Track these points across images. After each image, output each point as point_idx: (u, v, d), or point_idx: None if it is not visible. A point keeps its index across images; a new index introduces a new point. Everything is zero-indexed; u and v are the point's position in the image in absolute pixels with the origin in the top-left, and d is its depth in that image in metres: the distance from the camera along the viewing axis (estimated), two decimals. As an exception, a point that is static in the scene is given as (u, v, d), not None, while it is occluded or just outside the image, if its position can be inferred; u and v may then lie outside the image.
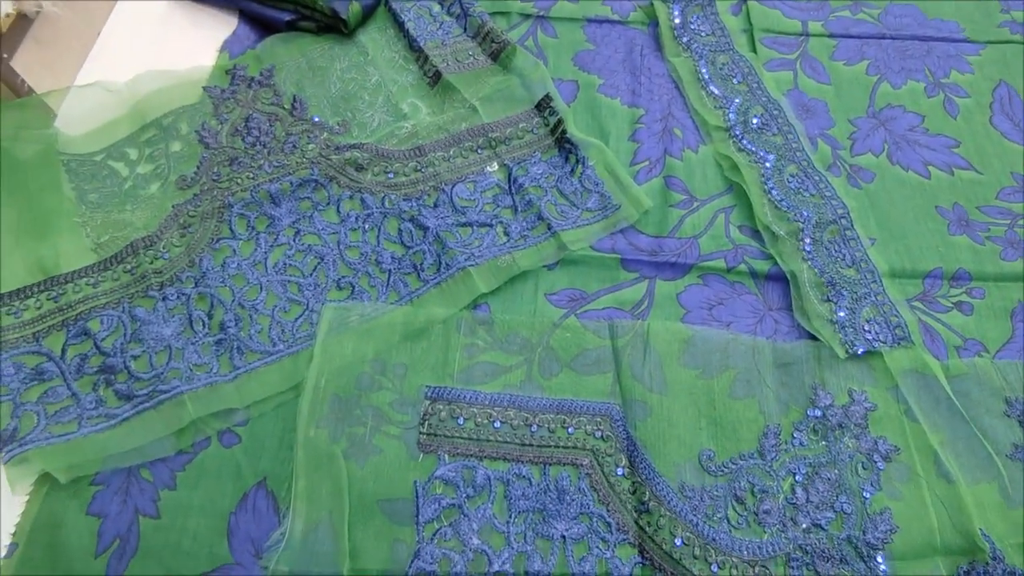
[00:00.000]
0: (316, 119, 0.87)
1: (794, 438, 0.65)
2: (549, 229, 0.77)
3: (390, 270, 0.75)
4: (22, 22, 0.87)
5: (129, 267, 0.73)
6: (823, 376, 0.68)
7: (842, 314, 0.71)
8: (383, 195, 0.80)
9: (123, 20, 0.98)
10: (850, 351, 0.69)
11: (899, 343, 0.70)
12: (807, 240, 0.76)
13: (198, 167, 0.82)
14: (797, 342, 0.71)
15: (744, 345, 0.70)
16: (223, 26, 0.98)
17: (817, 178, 0.81)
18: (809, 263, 0.74)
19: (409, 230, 0.77)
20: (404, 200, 0.79)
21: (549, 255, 0.76)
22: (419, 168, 0.82)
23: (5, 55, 0.84)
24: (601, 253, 0.76)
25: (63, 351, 0.68)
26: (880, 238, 0.79)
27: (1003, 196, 0.83)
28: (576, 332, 0.71)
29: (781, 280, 0.75)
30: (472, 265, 0.74)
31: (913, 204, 0.82)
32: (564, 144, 0.83)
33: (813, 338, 0.71)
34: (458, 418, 0.65)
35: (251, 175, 0.81)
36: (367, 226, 0.78)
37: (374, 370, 0.68)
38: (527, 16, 0.99)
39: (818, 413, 0.66)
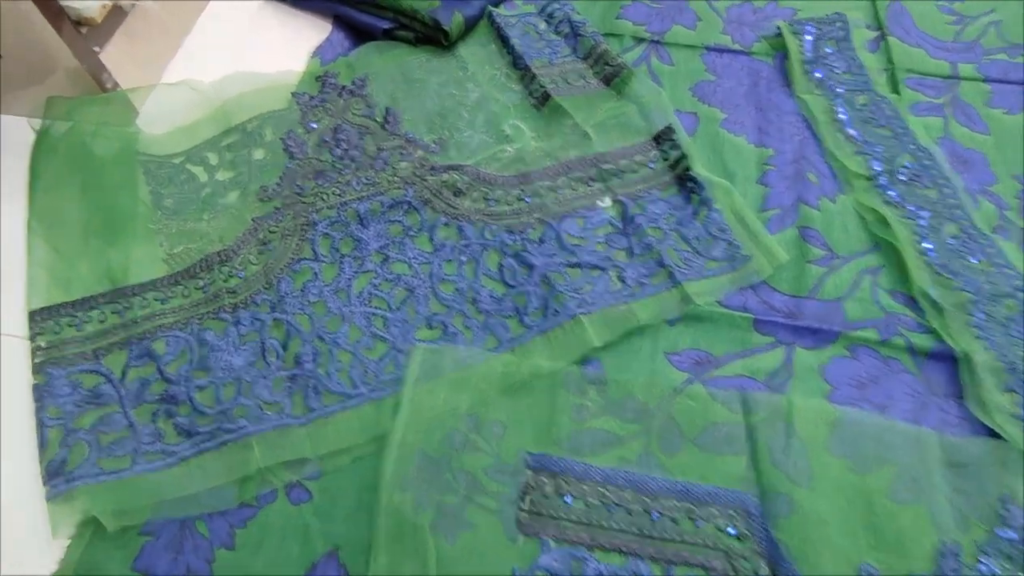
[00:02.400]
0: (410, 135, 0.78)
1: (981, 564, 0.53)
2: (671, 278, 0.66)
3: (488, 311, 0.65)
4: (116, 15, 0.81)
5: (202, 283, 0.64)
6: (1012, 485, 0.56)
7: (1026, 412, 0.59)
8: (483, 225, 0.70)
9: (214, 19, 0.92)
10: (1039, 454, 0.57)
11: (1098, 450, 0.57)
12: (979, 315, 0.64)
13: (281, 178, 0.74)
14: (974, 438, 0.58)
15: (905, 436, 0.58)
16: (316, 31, 0.91)
17: (984, 242, 0.69)
18: (984, 343, 0.62)
19: (512, 267, 0.67)
20: (507, 232, 0.70)
21: (671, 308, 0.65)
22: (523, 197, 0.73)
23: (95, 49, 0.78)
24: (731, 311, 0.65)
25: (124, 373, 0.60)
26: (1061, 318, 0.66)
27: None
28: (702, 402, 0.60)
29: (946, 360, 0.63)
30: (584, 313, 0.63)
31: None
32: (686, 182, 0.73)
33: (993, 434, 0.58)
34: (565, 496, 0.55)
35: (338, 191, 0.72)
36: (464, 258, 0.68)
37: (468, 427, 0.58)
38: (640, 40, 0.90)
39: (1012, 535, 0.54)
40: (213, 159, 0.76)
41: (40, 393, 0.58)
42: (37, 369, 0.59)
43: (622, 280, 0.67)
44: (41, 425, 0.56)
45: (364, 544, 0.53)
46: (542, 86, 0.81)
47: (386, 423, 0.58)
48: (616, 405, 0.60)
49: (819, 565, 0.52)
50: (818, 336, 0.64)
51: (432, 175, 0.73)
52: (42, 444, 0.56)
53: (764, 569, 0.52)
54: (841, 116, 0.81)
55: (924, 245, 0.69)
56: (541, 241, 0.69)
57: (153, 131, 0.76)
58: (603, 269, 0.67)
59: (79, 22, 0.78)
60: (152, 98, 0.79)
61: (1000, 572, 0.52)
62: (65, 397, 0.58)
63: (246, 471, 0.55)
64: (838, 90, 0.83)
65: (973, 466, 0.57)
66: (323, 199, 0.72)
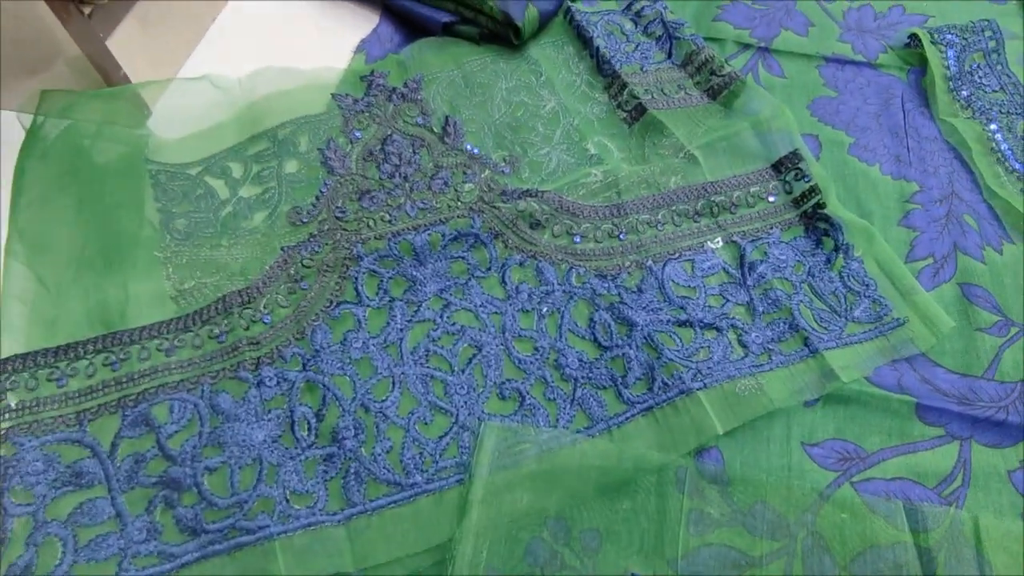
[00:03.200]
0: (474, 150, 0.67)
1: None
2: (806, 344, 0.54)
3: (577, 379, 0.53)
4: (126, -5, 0.71)
5: (217, 331, 0.53)
6: None
7: None
8: (568, 266, 0.58)
9: (244, 6, 0.81)
10: None
11: None
12: None
13: (317, 198, 0.63)
14: None
15: None
16: (363, 22, 0.80)
17: None
18: None
19: (606, 322, 0.56)
20: (597, 277, 0.58)
21: (810, 385, 0.53)
22: (616, 233, 0.61)
23: (100, 34, 0.67)
24: (886, 391, 0.53)
25: (114, 446, 0.48)
26: None
27: None
28: (857, 514, 0.47)
29: None
30: (700, 388, 0.51)
31: None
32: (816, 222, 0.61)
33: None
34: (685, 640, 0.43)
35: (387, 217, 0.61)
36: (544, 308, 0.56)
37: (555, 538, 0.46)
38: (746, 46, 0.78)
39: None
40: (237, 171, 0.65)
41: (5, 469, 0.47)
42: (3, 437, 0.48)
43: (743, 345, 0.55)
44: (4, 513, 0.45)
45: None
46: (635, 96, 0.70)
47: (448, 527, 0.46)
48: (744, 514, 0.48)
49: None
50: (1002, 430, 0.52)
51: (504, 202, 0.62)
52: (2, 539, 0.44)
53: None
54: (1001, 145, 0.68)
55: (1121, 315, 0.57)
56: (640, 290, 0.58)
57: (166, 135, 0.65)
58: (720, 330, 0.55)
59: (83, 2, 0.67)
60: (167, 95, 0.68)
61: None
62: (37, 475, 0.46)
63: (267, 585, 0.44)
64: (992, 113, 0.71)
65: None
66: (369, 226, 0.60)
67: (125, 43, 0.70)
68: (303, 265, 0.58)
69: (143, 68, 0.70)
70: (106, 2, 0.68)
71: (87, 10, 0.67)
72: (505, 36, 0.77)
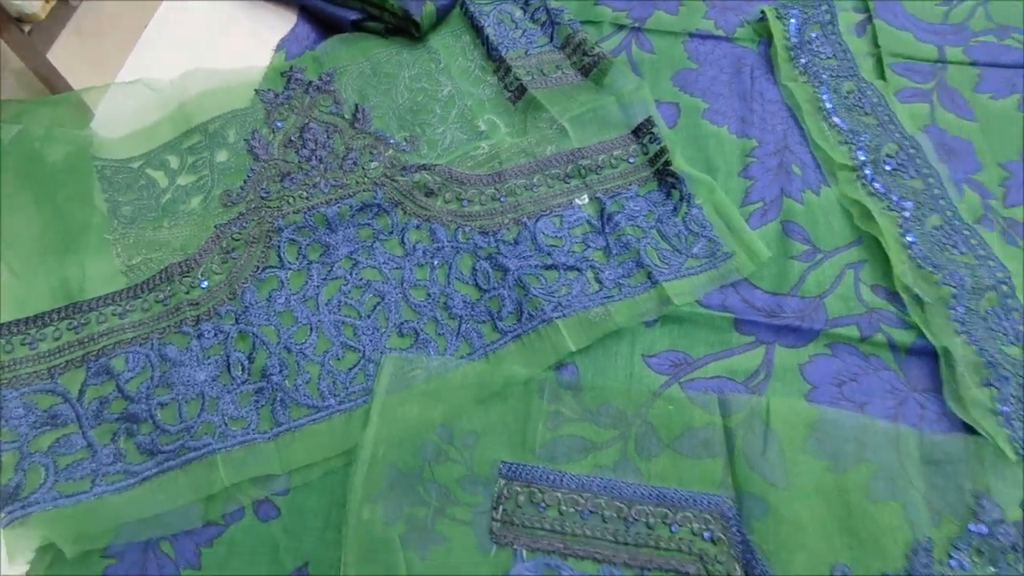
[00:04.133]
0: (380, 133, 0.79)
1: (952, 559, 0.55)
2: (649, 278, 0.68)
3: (461, 316, 0.66)
4: (62, 10, 0.81)
5: (162, 296, 0.66)
6: (987, 482, 0.58)
7: (1007, 407, 0.61)
8: (456, 226, 0.71)
9: (172, 13, 0.92)
10: (1021, 452, 0.59)
11: (1078, 444, 0.59)
12: (960, 309, 0.66)
13: (245, 181, 0.75)
14: (951, 435, 0.60)
15: (884, 434, 0.60)
16: (281, 23, 0.91)
17: (967, 233, 0.71)
18: (964, 338, 0.64)
19: (485, 270, 0.69)
20: (480, 234, 0.71)
21: (649, 309, 0.67)
22: (497, 196, 0.74)
23: (40, 48, 0.78)
24: (710, 311, 0.67)
25: (81, 392, 0.61)
26: (1044, 310, 0.68)
27: None
28: (680, 405, 0.62)
29: (926, 355, 0.65)
30: (560, 317, 0.65)
31: (1083, 271, 0.71)
32: (666, 177, 0.75)
33: (970, 430, 0.60)
34: (539, 504, 0.57)
35: (305, 194, 0.73)
36: (436, 262, 0.70)
37: (441, 438, 0.60)
38: (621, 27, 0.91)
39: (984, 530, 0.56)
40: (174, 162, 0.77)
41: (-5, 415, 0.59)
42: (-11, 391, 0.60)
43: (599, 281, 0.68)
44: (-3, 447, 0.58)
45: (334, 561, 0.55)
46: (517, 78, 0.83)
47: (356, 436, 0.60)
48: (593, 412, 0.61)
49: (792, 566, 0.54)
50: (799, 334, 0.66)
51: (403, 175, 0.75)
52: (-1, 467, 0.57)
53: (738, 571, 0.54)
54: (826, 104, 0.82)
55: (907, 238, 0.71)
56: (516, 242, 0.71)
57: (109, 134, 0.77)
58: (580, 270, 0.69)
59: (20, 19, 0.78)
60: (106, 99, 0.80)
61: (970, 567, 0.54)
62: (19, 419, 0.59)
63: (211, 489, 0.57)
64: (823, 77, 0.85)
65: (949, 463, 0.59)
66: (289, 203, 0.73)
67: (64, 54, 0.80)
68: (233, 239, 0.70)
69: (84, 75, 0.81)
70: (43, 19, 0.79)
71: (27, 28, 0.78)
72: (408, 30, 0.89)
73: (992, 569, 0.54)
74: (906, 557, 0.55)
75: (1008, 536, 0.56)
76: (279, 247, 0.70)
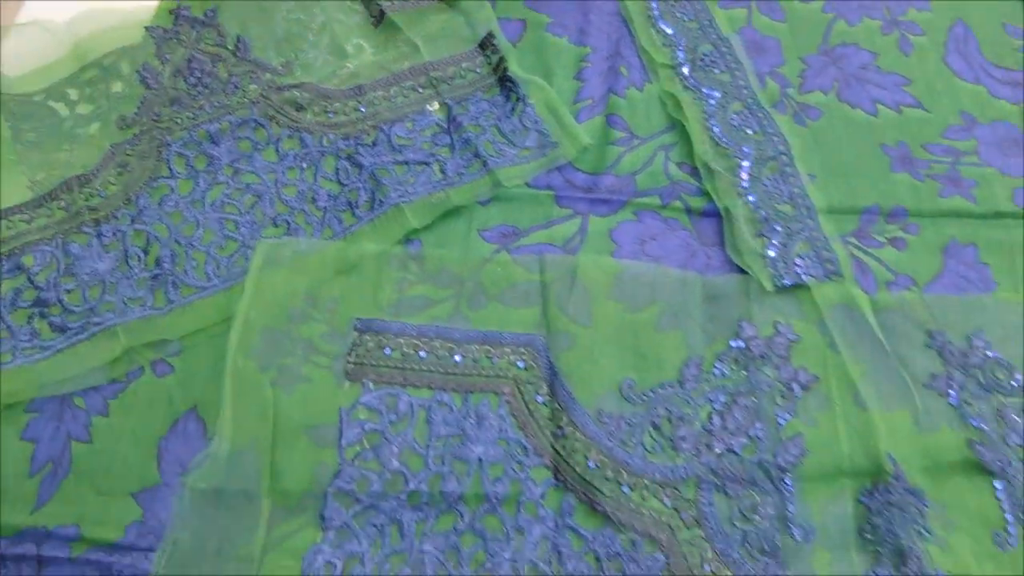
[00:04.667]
0: (259, 60, 0.90)
1: (715, 368, 0.69)
2: (485, 166, 0.80)
3: (325, 208, 0.78)
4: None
5: (64, 204, 0.76)
6: (750, 309, 0.72)
7: (773, 252, 0.74)
8: (322, 134, 0.82)
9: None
10: (778, 284, 0.72)
11: (829, 277, 0.73)
12: (744, 176, 0.78)
13: (139, 107, 0.85)
14: (727, 276, 0.74)
15: (673, 279, 0.73)
16: (168, -34, 1.00)
17: (761, 115, 0.84)
18: (744, 199, 0.77)
19: (345, 168, 0.80)
20: (343, 139, 0.82)
21: (483, 191, 0.79)
22: (359, 107, 0.85)
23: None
24: (536, 190, 0.79)
25: (-1, 285, 0.72)
26: (821, 175, 0.81)
27: (949, 134, 0.85)
28: (506, 267, 0.74)
29: (716, 216, 0.78)
30: (405, 201, 0.77)
31: (858, 142, 0.84)
32: (506, 83, 0.86)
33: (745, 273, 0.74)
34: (385, 348, 0.69)
35: (191, 115, 0.84)
36: (304, 165, 0.81)
37: (306, 304, 0.72)
38: (477, -46, 1.01)
39: (741, 344, 0.70)
40: (73, 95, 0.87)
41: (-73, 304, 0.71)
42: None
43: (443, 172, 0.80)
44: (-70, 330, 0.69)
45: (217, 402, 0.67)
46: (378, 5, 0.93)
47: (235, 306, 0.72)
48: (433, 275, 0.74)
49: (589, 384, 0.68)
50: (610, 205, 0.79)
51: (277, 94, 0.85)
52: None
53: (544, 389, 0.67)
54: (654, 12, 0.93)
55: (711, 123, 0.83)
56: (374, 144, 0.82)
57: (11, 73, 0.86)
58: (427, 164, 0.81)
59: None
60: (7, 42, 0.89)
61: (729, 373, 0.68)
62: (-52, 307, 0.70)
63: (114, 354, 0.69)
64: (654, -11, 0.96)
65: (724, 298, 0.72)
66: (177, 123, 0.83)
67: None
68: (126, 154, 0.81)
69: (-14, 22, 0.90)
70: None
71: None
72: (283, -34, 0.98)
73: (744, 373, 0.68)
74: (679, 370, 0.69)
75: (759, 347, 0.69)
76: (168, 160, 0.80)
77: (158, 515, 0.62)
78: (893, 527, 0.61)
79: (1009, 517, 0.63)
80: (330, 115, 0.84)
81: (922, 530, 0.61)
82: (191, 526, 0.59)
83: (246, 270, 0.74)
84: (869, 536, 0.61)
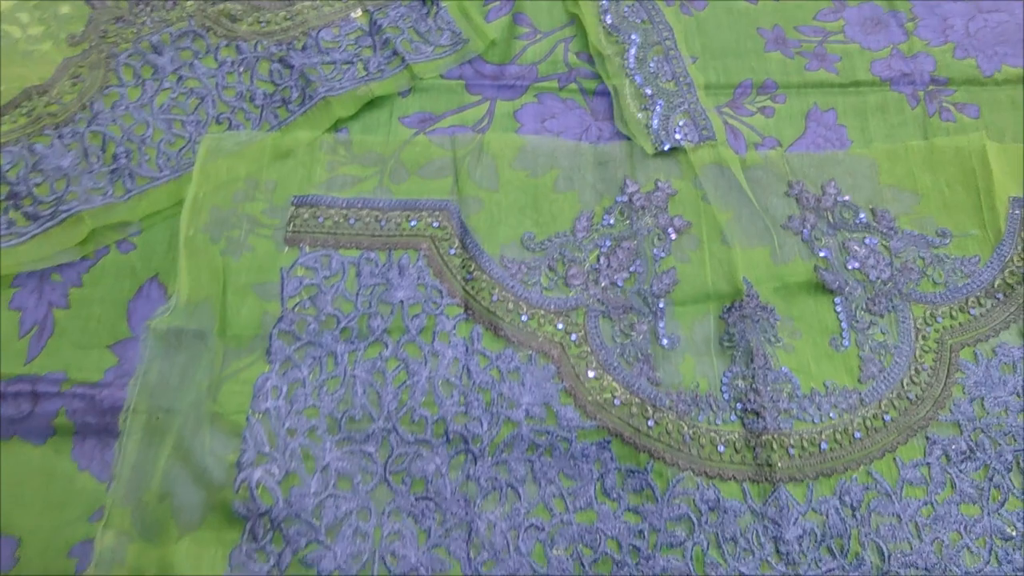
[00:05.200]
0: (195, -21, 0.98)
1: (604, 220, 0.80)
2: (403, 62, 0.89)
3: (262, 105, 0.88)
4: None
5: (25, 111, 0.85)
6: (634, 170, 0.83)
7: (655, 122, 0.85)
8: (256, 41, 0.91)
9: None
10: (659, 148, 0.83)
11: (704, 141, 0.84)
12: (631, 58, 0.89)
13: (86, 26, 0.93)
14: (615, 143, 0.85)
15: (569, 148, 0.84)
16: None
17: (650, 6, 0.94)
18: (631, 78, 0.88)
19: (278, 70, 0.90)
20: (275, 45, 0.91)
21: (402, 84, 0.89)
22: (289, 17, 0.94)
23: None
24: (449, 80, 0.89)
25: (-25, 183, 0.82)
26: (702, 57, 0.91)
27: (820, 16, 0.95)
28: (423, 146, 0.85)
29: (607, 95, 0.88)
30: (332, 95, 0.86)
31: (737, 27, 0.94)
32: (421, -11, 0.95)
33: (632, 141, 0.85)
34: (319, 218, 0.80)
35: (135, 30, 0.92)
36: (242, 69, 0.90)
37: (248, 186, 0.82)
38: None
39: (625, 199, 0.81)
40: (24, 18, 0.95)
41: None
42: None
43: (366, 69, 0.90)
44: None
45: (176, 270, 0.78)
46: (303, -76, 1.01)
47: (186, 191, 0.82)
48: (359, 157, 0.84)
49: (495, 237, 0.79)
50: (514, 90, 0.89)
51: (212, 7, 0.94)
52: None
53: (456, 243, 0.79)
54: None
55: (605, 16, 0.93)
56: (304, 48, 0.91)
57: (-33, -1, 0.94)
58: (352, 63, 0.90)
59: None
60: (-39, -29, 0.96)
61: (613, 222, 0.80)
62: (-68, 202, 0.80)
63: (82, 236, 0.79)
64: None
65: (612, 162, 0.84)
66: (123, 37, 0.92)
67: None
68: (78, 67, 0.89)
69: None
70: None
71: None
72: None
73: (628, 222, 0.80)
74: (572, 222, 0.80)
75: (640, 200, 0.81)
76: (117, 70, 0.89)
77: (131, 361, 0.73)
78: (746, 334, 0.73)
79: (844, 325, 0.75)
80: (263, 24, 0.93)
81: (771, 338, 0.74)
82: (156, 362, 0.71)
83: (193, 162, 0.84)
84: (727, 343, 0.74)
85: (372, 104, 0.87)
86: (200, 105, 0.88)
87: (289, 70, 0.89)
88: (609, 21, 0.92)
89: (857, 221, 0.81)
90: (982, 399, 0.71)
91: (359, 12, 0.94)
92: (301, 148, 0.84)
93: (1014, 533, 0.66)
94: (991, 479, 0.68)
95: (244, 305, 0.75)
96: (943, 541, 0.65)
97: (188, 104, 0.88)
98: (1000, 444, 0.69)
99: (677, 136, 0.84)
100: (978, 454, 0.69)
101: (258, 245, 0.79)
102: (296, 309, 0.75)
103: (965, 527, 0.66)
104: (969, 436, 0.70)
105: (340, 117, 0.86)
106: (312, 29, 0.92)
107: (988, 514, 0.66)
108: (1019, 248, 0.78)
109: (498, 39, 0.92)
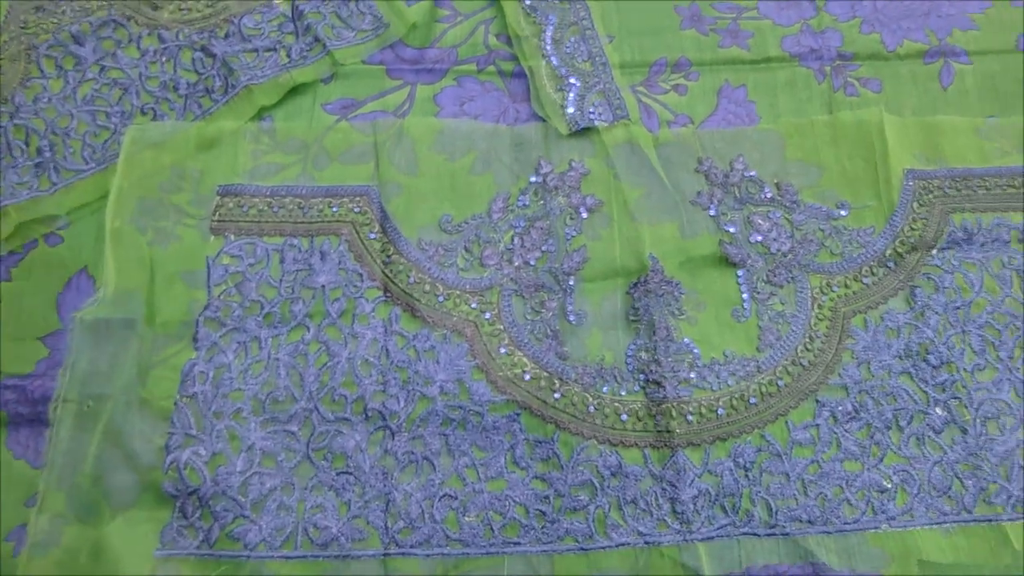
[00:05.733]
0: (116, -34, 0.98)
1: (519, 200, 0.84)
2: (324, 48, 0.91)
3: (186, 95, 0.89)
4: None
5: (-53, 106, 0.87)
6: (549, 151, 0.86)
7: (570, 102, 0.88)
8: (177, 30, 0.92)
9: None
10: (573, 128, 0.86)
11: (618, 120, 0.87)
12: (547, 39, 0.91)
13: (5, 16, 0.93)
14: (531, 124, 0.88)
15: (486, 131, 0.87)
16: None
17: (568, -12, 0.95)
18: (547, 59, 0.90)
19: (200, 59, 0.91)
20: (197, 33, 0.92)
21: (324, 71, 0.90)
22: (211, 4, 0.94)
23: None
24: (370, 65, 0.91)
25: (-99, 180, 0.83)
26: (619, 36, 0.94)
27: (736, -8, 0.98)
28: (345, 132, 0.87)
29: (525, 76, 0.91)
30: (254, 83, 0.88)
31: (655, 5, 0.96)
32: (343, -28, 0.96)
33: (548, 122, 0.88)
34: (243, 207, 0.82)
35: (55, 20, 0.93)
36: (164, 58, 0.91)
37: (173, 176, 0.84)
38: None
39: (539, 179, 0.84)
40: (-56, 10, 0.95)
41: None
42: None
43: (289, 56, 0.91)
44: None
45: (103, 261, 0.80)
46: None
47: (112, 183, 0.84)
48: (282, 144, 0.86)
49: (413, 220, 0.82)
50: (434, 74, 0.91)
51: (133, -4, 0.94)
52: None
53: (376, 228, 0.81)
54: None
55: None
56: (226, 36, 0.92)
57: None
58: (274, 50, 0.91)
59: None
60: None
61: (528, 203, 0.83)
62: None
63: (9, 230, 0.81)
64: None
65: (528, 144, 0.86)
66: (43, 28, 0.92)
67: None
68: None
69: None
70: None
71: None
72: None
73: (541, 202, 0.83)
74: (488, 204, 0.83)
75: (554, 180, 0.84)
76: (38, 61, 0.90)
77: (62, 352, 0.76)
78: (649, 309, 0.78)
79: (746, 296, 0.80)
80: (184, 12, 0.94)
81: (676, 311, 0.78)
82: (85, 352, 0.74)
83: (119, 153, 0.85)
84: (632, 318, 0.78)
85: (295, 91, 0.89)
86: (124, 96, 0.89)
87: (212, 59, 0.90)
88: (528, 2, 0.94)
89: (762, 195, 0.85)
90: (869, 363, 0.76)
91: (281, -2, 0.95)
92: (225, 137, 0.86)
93: (889, 485, 0.72)
94: (872, 437, 0.73)
95: (171, 294, 0.78)
96: (826, 495, 0.71)
97: (112, 95, 0.89)
98: (882, 404, 0.74)
99: (591, 116, 0.87)
100: (862, 414, 0.74)
101: (185, 235, 0.81)
102: (222, 296, 0.78)
103: (847, 482, 0.72)
104: (855, 398, 0.75)
105: (263, 105, 0.87)
106: (234, 16, 0.93)
107: (868, 469, 0.72)
108: (910, 218, 0.83)
109: (419, 22, 0.93)
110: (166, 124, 0.86)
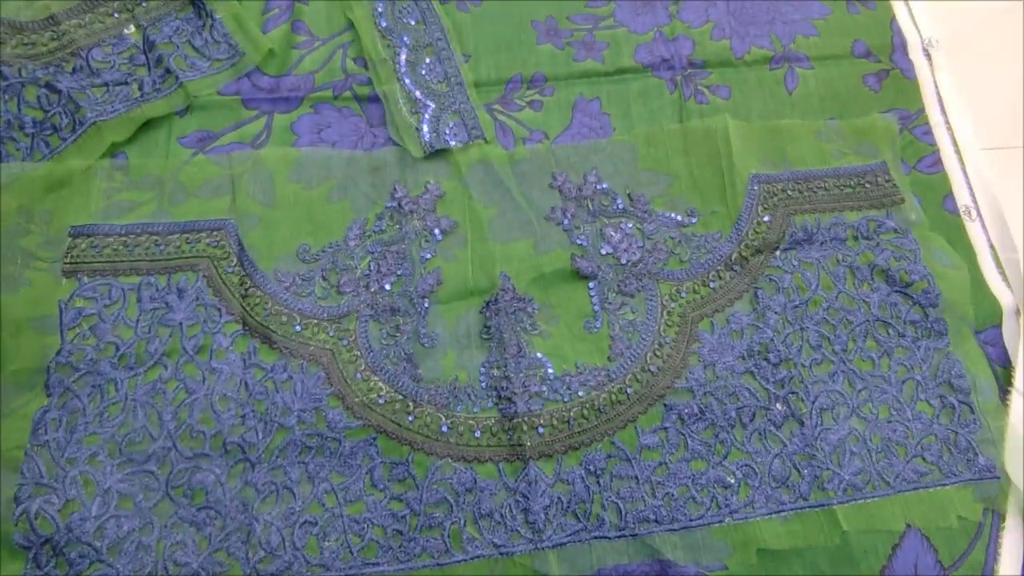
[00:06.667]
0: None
1: (376, 225, 0.86)
2: (177, 80, 0.91)
3: (32, 133, 0.89)
4: None
5: None
6: (405, 174, 0.88)
7: (425, 125, 0.90)
8: (20, 66, 0.92)
9: None
10: (427, 151, 0.89)
11: (473, 140, 0.90)
12: (402, 62, 0.93)
13: None
14: (387, 149, 0.90)
15: (343, 158, 0.89)
16: None
17: (424, 6, 0.97)
18: (401, 82, 0.92)
19: (46, 95, 0.90)
20: (42, 68, 0.92)
21: (177, 104, 0.91)
22: (56, 37, 0.94)
23: None
24: (225, 96, 0.92)
25: None
26: (475, 54, 0.96)
27: (592, 4, 1.01)
28: (201, 166, 0.88)
29: (381, 101, 0.93)
30: (103, 119, 0.88)
31: (511, 21, 0.99)
32: (197, 2, 0.96)
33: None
34: (97, 247, 0.83)
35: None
36: (7, 96, 0.90)
37: (21, 219, 0.84)
38: None
39: (394, 204, 0.87)
40: None
41: None
42: None
43: (140, 90, 0.91)
44: None
45: (-48, 311, 0.80)
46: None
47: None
48: (136, 182, 0.87)
49: (271, 251, 0.84)
50: (290, 102, 0.92)
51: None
52: None
53: (234, 262, 0.83)
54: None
55: (379, 20, 0.96)
56: (74, 70, 0.92)
57: None
58: (125, 83, 0.92)
59: None
60: None
61: (384, 227, 0.86)
62: None
63: None
64: None
65: (384, 168, 0.89)
66: None
67: None
68: None
69: None
70: None
71: None
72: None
73: (397, 227, 0.86)
74: (344, 231, 0.86)
75: (409, 204, 0.87)
76: None
77: (-90, 407, 0.76)
78: (501, 327, 0.81)
79: (597, 308, 0.84)
80: (27, 47, 0.93)
81: (528, 326, 0.82)
82: (-69, 408, 0.74)
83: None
84: (485, 336, 0.81)
85: (149, 125, 0.90)
86: (79, 119, 0.88)
87: (57, 95, 0.90)
88: (384, 24, 0.95)
89: (615, 207, 0.89)
90: (714, 365, 0.81)
91: (132, 28, 0.95)
92: (76, 176, 0.86)
93: (732, 480, 0.77)
94: (717, 436, 0.78)
95: (22, 340, 0.78)
96: (672, 495, 0.76)
97: (63, 123, 0.88)
98: (725, 404, 0.79)
99: (447, 138, 0.90)
100: (707, 414, 0.79)
101: (36, 279, 0.81)
102: (75, 340, 0.78)
103: (692, 480, 0.76)
104: (700, 399, 0.80)
105: (114, 141, 0.88)
106: (81, 49, 0.93)
107: (712, 467, 0.77)
108: (754, 222, 0.88)
109: (276, 49, 0.94)
110: (12, 165, 0.86)
